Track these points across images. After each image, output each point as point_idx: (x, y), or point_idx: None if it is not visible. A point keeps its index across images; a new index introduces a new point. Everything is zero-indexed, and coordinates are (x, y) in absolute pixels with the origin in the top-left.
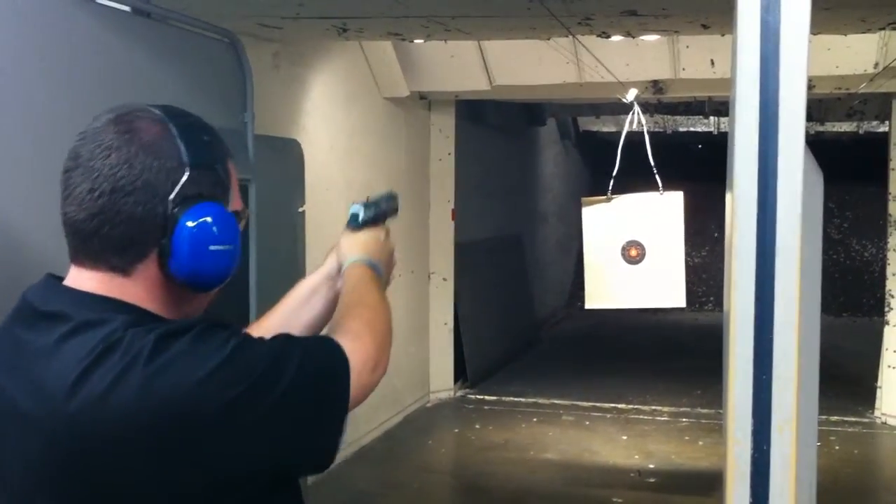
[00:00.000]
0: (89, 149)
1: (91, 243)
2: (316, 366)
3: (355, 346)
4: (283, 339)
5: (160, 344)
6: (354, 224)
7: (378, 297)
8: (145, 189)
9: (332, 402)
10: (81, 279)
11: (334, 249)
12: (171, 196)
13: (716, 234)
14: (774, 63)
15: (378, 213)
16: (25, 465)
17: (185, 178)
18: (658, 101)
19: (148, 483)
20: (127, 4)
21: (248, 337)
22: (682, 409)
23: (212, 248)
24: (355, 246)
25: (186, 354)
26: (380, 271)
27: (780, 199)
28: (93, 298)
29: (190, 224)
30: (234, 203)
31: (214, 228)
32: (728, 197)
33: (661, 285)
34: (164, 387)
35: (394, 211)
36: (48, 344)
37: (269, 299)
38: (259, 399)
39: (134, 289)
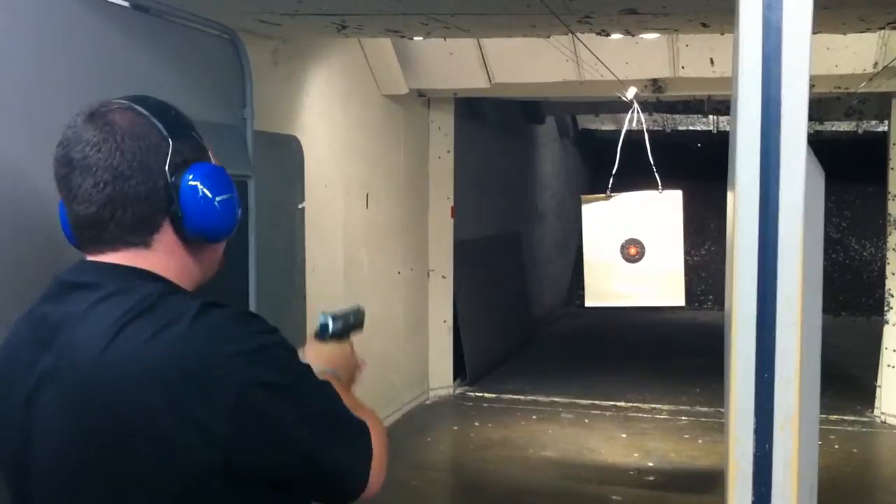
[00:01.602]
0: (78, 150)
1: (108, 230)
2: (346, 421)
3: (377, 443)
4: (324, 380)
5: (205, 310)
6: (323, 335)
7: (355, 403)
8: (142, 169)
9: (355, 454)
10: (105, 259)
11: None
12: (166, 167)
13: (715, 233)
14: (776, 61)
15: (347, 325)
16: (58, 427)
17: (170, 149)
18: (657, 99)
19: (163, 440)
20: (126, 0)
21: (286, 342)
22: (681, 408)
23: (218, 199)
24: (322, 358)
25: (232, 321)
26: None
27: (783, 198)
28: (121, 269)
29: (192, 185)
30: (215, 162)
31: (213, 183)
32: (730, 196)
33: (660, 284)
34: (203, 348)
35: (360, 325)
36: (81, 310)
37: (269, 295)
38: (283, 403)
39: (156, 258)
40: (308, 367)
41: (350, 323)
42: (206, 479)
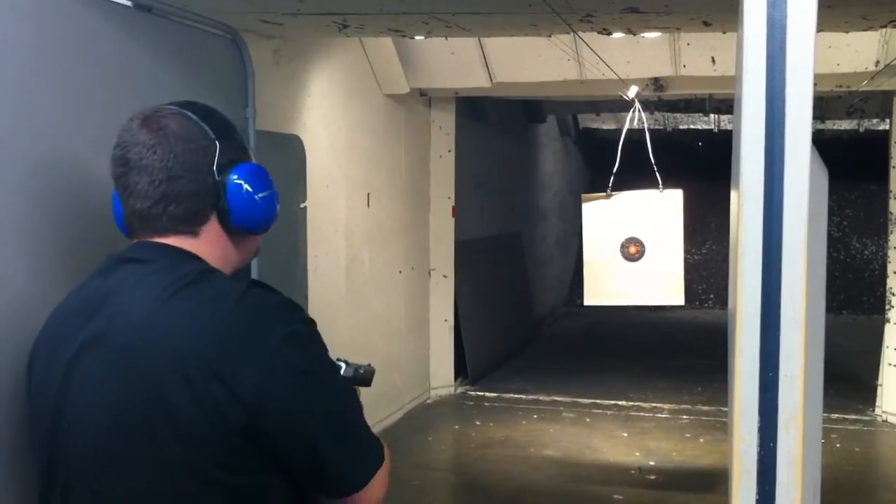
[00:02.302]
0: (135, 152)
1: (160, 222)
2: (357, 418)
3: (385, 464)
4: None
5: (252, 288)
6: None
7: None
8: (192, 169)
9: (366, 453)
10: (156, 240)
11: None
12: (214, 167)
13: (716, 232)
14: (781, 59)
15: (357, 375)
16: (98, 390)
17: (217, 150)
18: (658, 98)
19: (190, 408)
20: None
21: (320, 338)
22: (682, 407)
23: (259, 195)
24: None
25: (274, 307)
26: None
27: (787, 197)
28: (170, 248)
29: (237, 183)
30: (255, 160)
31: (255, 181)
32: (733, 195)
33: (660, 283)
34: (244, 322)
35: (367, 382)
36: (132, 281)
37: None
38: (310, 379)
39: (201, 244)
40: (336, 366)
41: (360, 374)
42: (230, 437)
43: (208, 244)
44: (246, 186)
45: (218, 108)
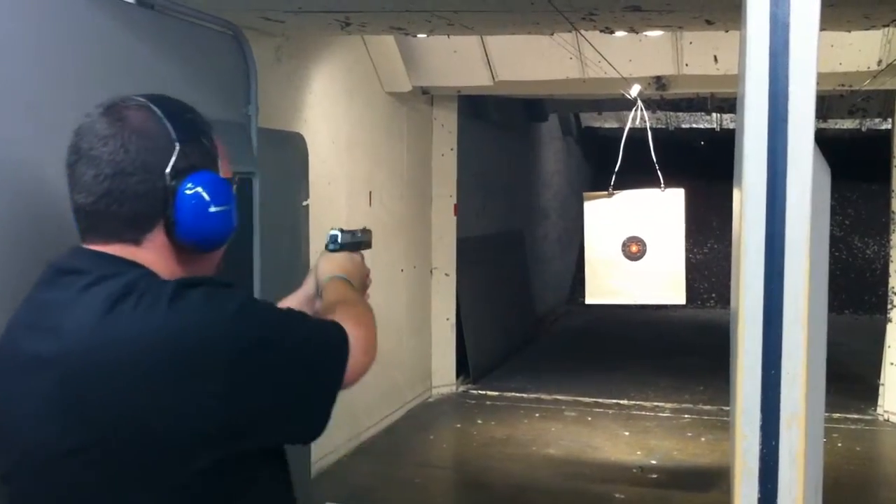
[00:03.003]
0: (88, 140)
1: (102, 222)
2: (323, 335)
3: (348, 325)
4: (293, 309)
5: (181, 289)
6: (333, 246)
7: (358, 296)
8: (143, 168)
9: (331, 371)
10: (96, 248)
11: (312, 272)
12: (167, 170)
13: (717, 231)
14: (784, 58)
15: (355, 239)
16: (39, 407)
17: (176, 153)
18: (661, 97)
19: (151, 416)
20: None
21: (255, 297)
22: (683, 406)
23: (211, 210)
24: (334, 266)
25: (206, 299)
26: (354, 287)
27: (790, 196)
28: (109, 257)
29: (189, 192)
30: (223, 171)
31: (211, 193)
32: (736, 194)
33: (661, 282)
34: (186, 325)
35: (367, 244)
36: (70, 295)
37: (273, 293)
38: (270, 351)
39: (145, 254)
40: (280, 310)
41: (358, 238)
42: (206, 445)
43: (153, 255)
44: (198, 197)
45: (196, 108)
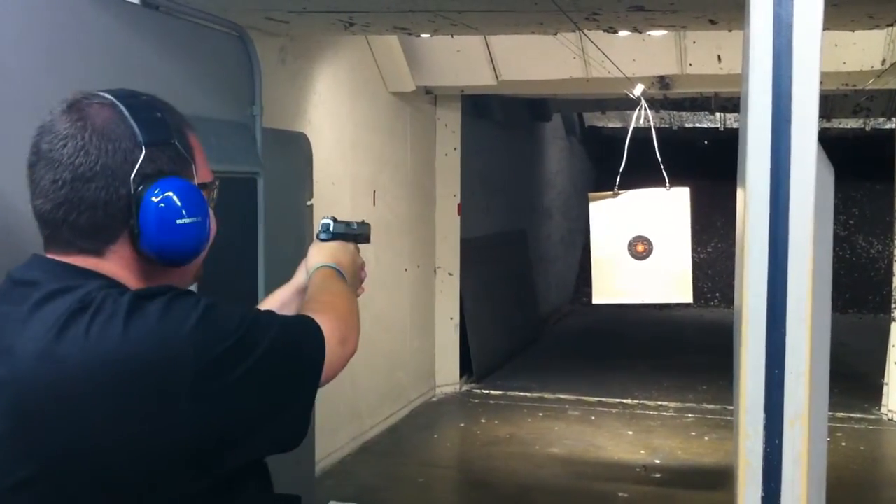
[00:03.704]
0: (48, 140)
1: (61, 232)
2: (293, 334)
3: (323, 318)
4: (259, 310)
5: (137, 303)
6: (325, 235)
7: (341, 286)
8: (104, 173)
9: (305, 373)
10: (55, 258)
11: (304, 262)
12: (132, 176)
13: (722, 231)
14: (787, 58)
15: (349, 231)
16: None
17: (142, 156)
18: (664, 96)
19: (104, 448)
20: None
21: (220, 301)
22: (687, 405)
23: (179, 221)
24: (323, 254)
25: (165, 312)
26: (345, 277)
27: (793, 196)
28: (67, 267)
29: (154, 201)
30: (202, 175)
31: (179, 202)
32: (739, 193)
33: (667, 281)
34: (144, 343)
35: (365, 238)
36: (23, 312)
37: None
38: (238, 360)
39: (109, 266)
40: (246, 314)
41: (354, 230)
42: (172, 468)
43: (117, 268)
44: (165, 206)
45: (174, 105)
